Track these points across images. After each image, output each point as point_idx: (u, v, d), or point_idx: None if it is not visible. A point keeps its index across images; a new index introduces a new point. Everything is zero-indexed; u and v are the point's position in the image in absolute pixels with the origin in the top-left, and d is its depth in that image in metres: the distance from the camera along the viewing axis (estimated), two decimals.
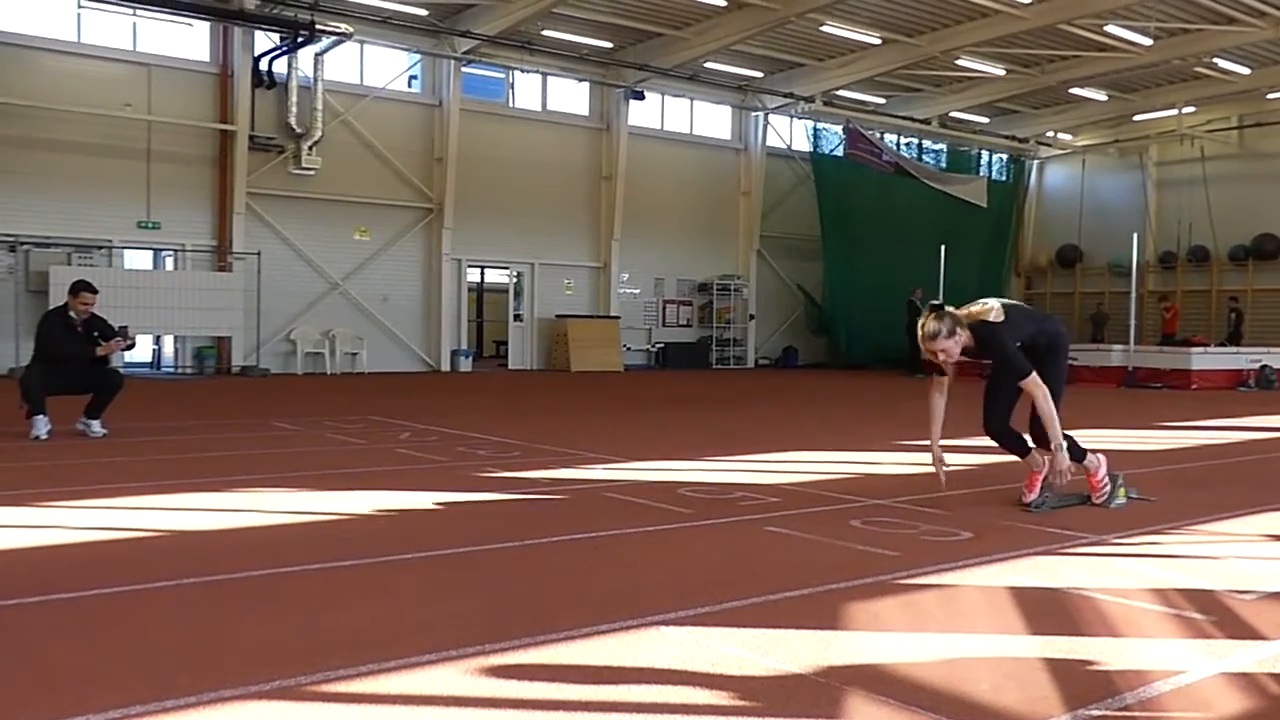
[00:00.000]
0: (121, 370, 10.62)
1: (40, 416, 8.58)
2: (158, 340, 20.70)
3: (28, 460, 7.51)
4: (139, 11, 18.61)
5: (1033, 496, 5.87)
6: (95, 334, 8.88)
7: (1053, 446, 5.59)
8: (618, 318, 24.58)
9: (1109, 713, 2.80)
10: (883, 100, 27.63)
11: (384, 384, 17.77)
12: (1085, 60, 23.68)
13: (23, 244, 17.98)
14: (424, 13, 20.88)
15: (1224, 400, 16.33)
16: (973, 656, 3.29)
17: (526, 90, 23.79)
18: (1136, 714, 2.82)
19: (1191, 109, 27.19)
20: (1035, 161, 31.77)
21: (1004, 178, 30.93)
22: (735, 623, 3.58)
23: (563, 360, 23.14)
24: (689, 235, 26.11)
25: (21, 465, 7.27)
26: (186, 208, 19.62)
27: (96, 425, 8.84)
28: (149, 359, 20.88)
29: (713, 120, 26.69)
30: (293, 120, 20.12)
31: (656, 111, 25.30)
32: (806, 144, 27.18)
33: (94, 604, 3.76)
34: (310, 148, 20.26)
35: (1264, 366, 19.80)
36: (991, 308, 5.67)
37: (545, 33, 21.82)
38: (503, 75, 23.43)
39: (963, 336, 5.53)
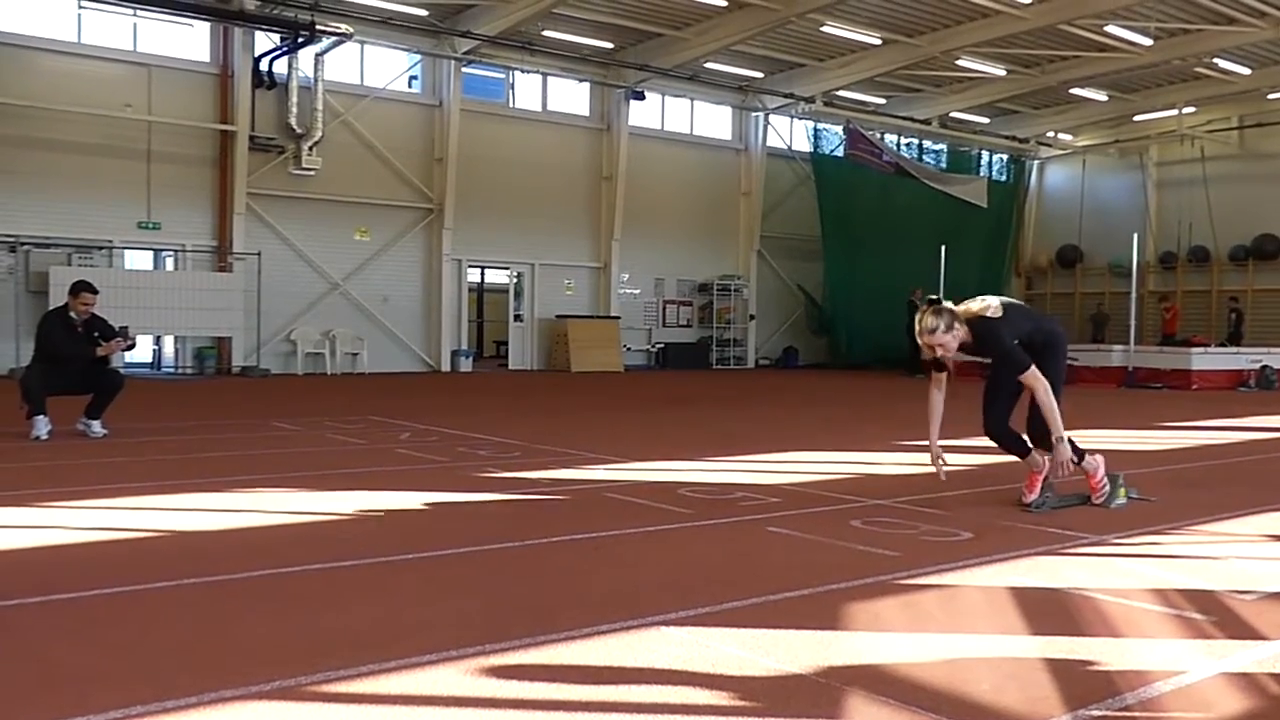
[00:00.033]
0: (122, 371, 10.62)
1: (41, 417, 8.58)
2: (158, 341, 20.70)
3: (28, 460, 7.51)
4: (139, 12, 18.61)
5: (1033, 497, 5.87)
6: (95, 334, 8.88)
7: (1054, 438, 5.59)
8: (618, 318, 24.58)
9: (1109, 713, 2.80)
10: (883, 100, 27.63)
11: (384, 384, 17.77)
12: (1085, 60, 23.68)
13: (23, 244, 17.98)
14: (424, 13, 20.88)
15: (1224, 400, 16.33)
16: (973, 657, 3.29)
17: (527, 90, 23.80)
18: (1137, 714, 2.82)
19: (1192, 109, 27.19)
20: (1035, 162, 31.77)
21: (1004, 178, 30.93)
22: (735, 623, 3.58)
23: (563, 360, 23.14)
24: (689, 235, 26.12)
25: (22, 465, 7.27)
26: (187, 208, 19.62)
27: (97, 426, 8.84)
28: (149, 359, 20.88)
29: (713, 120, 26.70)
30: (293, 120, 20.13)
31: (657, 112, 25.31)
32: (807, 144, 27.19)
33: (94, 604, 3.76)
34: (310, 148, 20.27)
35: (1264, 367, 19.80)
36: (990, 304, 5.68)
37: (545, 33, 21.83)
38: (503, 75, 23.43)
39: (960, 332, 5.54)
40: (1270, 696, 2.97)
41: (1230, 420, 12.57)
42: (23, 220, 18.00)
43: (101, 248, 18.93)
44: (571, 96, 24.35)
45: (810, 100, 25.74)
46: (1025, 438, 5.90)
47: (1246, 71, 24.36)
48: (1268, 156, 27.03)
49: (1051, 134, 30.87)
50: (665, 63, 23.20)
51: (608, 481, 6.81)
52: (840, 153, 26.98)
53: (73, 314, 8.85)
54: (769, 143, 27.01)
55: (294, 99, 20.08)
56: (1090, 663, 3.23)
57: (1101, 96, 27.21)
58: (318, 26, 19.32)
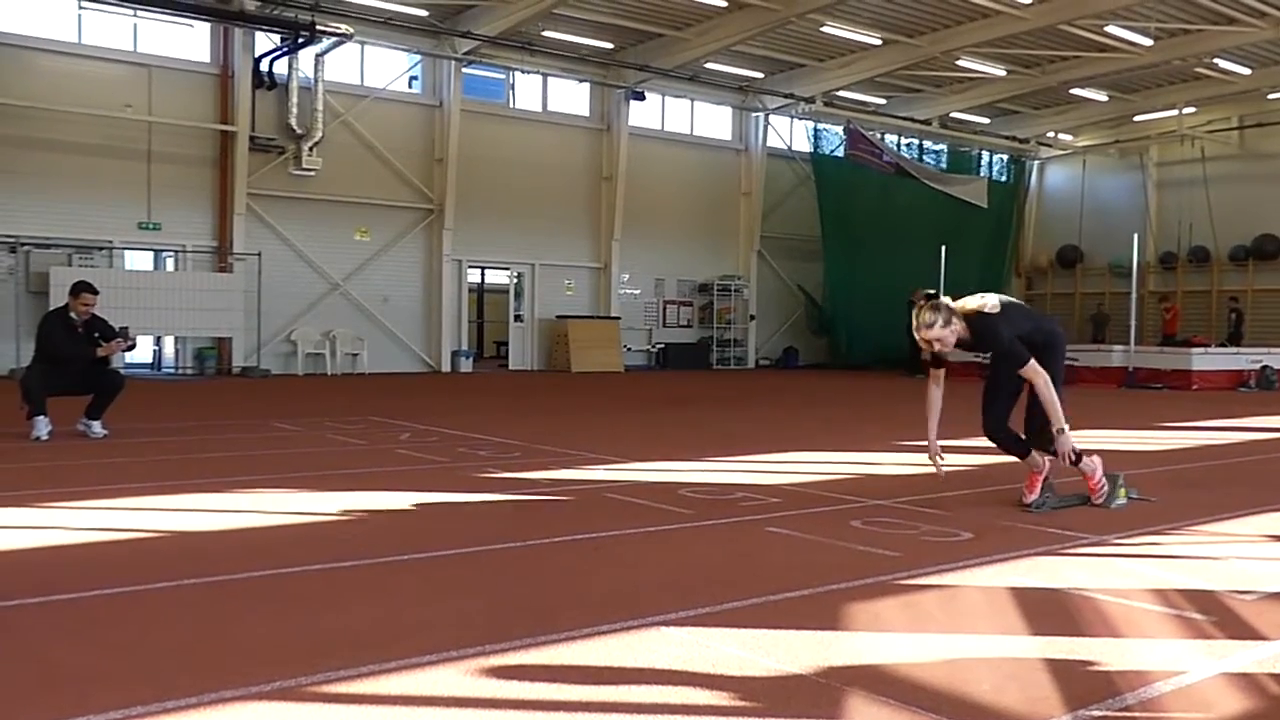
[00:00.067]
0: (122, 371, 10.63)
1: (41, 417, 8.59)
2: (158, 341, 20.70)
3: (28, 461, 7.51)
4: (139, 12, 18.61)
5: (1033, 497, 5.87)
6: (96, 335, 8.88)
7: (1055, 429, 5.59)
8: (618, 318, 24.59)
9: (1110, 713, 2.80)
10: (883, 101, 27.63)
11: (384, 384, 17.77)
12: (1086, 61, 23.68)
13: (23, 245, 17.98)
14: (424, 13, 20.88)
15: (1224, 401, 16.33)
16: (973, 657, 3.29)
17: (527, 91, 23.80)
18: (1137, 714, 2.82)
19: (1192, 109, 27.19)
20: (1036, 162, 31.78)
21: (1004, 178, 30.94)
22: (736, 623, 3.58)
23: (563, 361, 23.14)
24: (689, 236, 26.12)
25: (22, 466, 7.27)
26: (187, 208, 19.63)
27: (97, 426, 8.84)
28: (149, 360, 20.87)
29: (713, 121, 26.70)
30: (293, 121, 20.13)
31: (657, 112, 25.31)
32: (807, 144, 27.20)
33: (95, 604, 3.76)
34: (311, 148, 20.27)
35: (1264, 367, 19.80)
36: (988, 301, 5.69)
37: (545, 33, 21.83)
38: (503, 76, 23.44)
39: (957, 327, 5.53)
40: (1270, 697, 2.97)
41: (1230, 420, 12.57)
42: (23, 221, 18.00)
43: (102, 248, 18.94)
44: (571, 97, 24.35)
45: (810, 100, 25.74)
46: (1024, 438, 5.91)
47: (1246, 71, 24.36)
48: (1268, 156, 27.03)
49: (1051, 134, 30.87)
50: (665, 63, 23.20)
51: (608, 482, 6.81)
52: (840, 153, 26.99)
53: (73, 314, 8.85)
54: (769, 143, 27.01)
55: (294, 99, 20.08)
56: (1090, 663, 3.23)
57: (1101, 97, 27.21)
58: (318, 27, 19.32)
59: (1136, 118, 28.55)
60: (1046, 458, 5.84)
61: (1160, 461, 8.49)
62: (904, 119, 28.01)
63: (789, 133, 27.55)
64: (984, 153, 30.60)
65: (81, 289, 8.84)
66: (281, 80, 20.11)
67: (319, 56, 20.11)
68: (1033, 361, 5.56)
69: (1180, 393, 18.24)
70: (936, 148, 29.56)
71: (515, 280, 24.11)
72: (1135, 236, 22.13)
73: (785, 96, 25.68)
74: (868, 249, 26.72)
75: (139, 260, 20.17)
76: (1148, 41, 22.09)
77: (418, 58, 22.13)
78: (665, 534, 5.22)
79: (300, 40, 19.51)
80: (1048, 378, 5.59)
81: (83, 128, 18.43)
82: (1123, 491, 6.00)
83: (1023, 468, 5.99)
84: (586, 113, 24.49)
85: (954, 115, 28.69)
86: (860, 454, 8.75)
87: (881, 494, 6.41)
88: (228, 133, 19.67)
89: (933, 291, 5.72)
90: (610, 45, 22.90)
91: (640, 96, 24.02)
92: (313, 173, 20.47)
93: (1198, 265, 28.53)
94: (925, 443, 5.88)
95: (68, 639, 3.35)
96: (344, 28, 19.66)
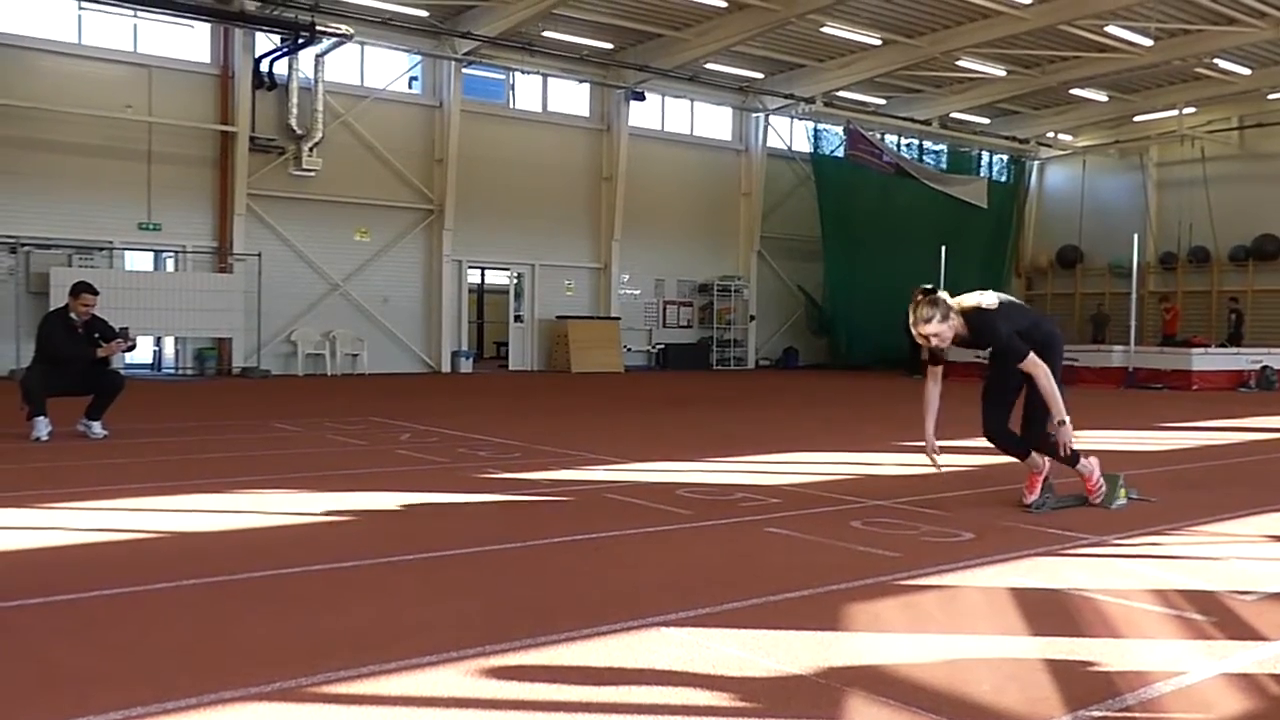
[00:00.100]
0: (122, 372, 10.63)
1: (41, 418, 8.59)
2: (158, 342, 20.71)
3: (28, 462, 7.51)
4: (139, 13, 18.61)
5: (1033, 498, 5.87)
6: (96, 335, 8.88)
7: (1055, 421, 5.59)
8: (618, 319, 24.59)
9: (1110, 714, 2.80)
10: (883, 101, 27.63)
11: (384, 385, 17.77)
12: (1086, 61, 23.68)
13: (24, 245, 17.98)
14: (424, 14, 20.89)
15: (1224, 401, 16.33)
16: (973, 657, 3.29)
17: (527, 91, 23.81)
18: (1137, 715, 2.82)
19: (1192, 109, 27.19)
20: (1036, 162, 31.78)
21: (1004, 178, 30.94)
22: (736, 624, 3.58)
23: (563, 361, 23.14)
24: (689, 236, 26.12)
25: (22, 467, 7.27)
26: (187, 209, 19.63)
27: (97, 427, 8.85)
28: (149, 360, 20.88)
29: (713, 121, 26.70)
30: (293, 121, 20.13)
31: (657, 112, 25.32)
32: (807, 145, 27.20)
33: (95, 605, 3.76)
34: (311, 149, 20.27)
35: (1265, 367, 19.80)
36: (986, 298, 5.68)
37: (545, 34, 21.83)
38: (503, 76, 23.44)
39: (955, 322, 5.52)
40: (1270, 697, 2.97)
41: (1230, 421, 12.57)
42: (23, 221, 18.00)
43: (102, 249, 18.94)
44: (571, 97, 24.35)
45: (810, 101, 25.75)
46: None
47: (1246, 72, 24.37)
48: (1268, 156, 27.03)
49: (1051, 134, 30.87)
50: (665, 63, 23.20)
51: (608, 482, 6.81)
52: (840, 153, 26.99)
53: (73, 315, 8.85)
54: (769, 143, 27.01)
55: (294, 100, 20.09)
56: (1090, 663, 3.23)
57: (1101, 97, 27.21)
58: (318, 27, 19.33)
59: (1136, 118, 28.55)
60: (1046, 458, 5.84)
61: (1160, 462, 8.49)
62: (904, 119, 28.01)
63: (789, 133, 27.55)
64: (984, 153, 30.60)
65: (81, 289, 8.85)
66: (281, 81, 20.11)
67: (319, 57, 20.12)
68: (1032, 355, 5.55)
69: (1180, 393, 18.24)
70: (936, 148, 29.57)
71: (515, 281, 24.11)
72: (1135, 237, 22.13)
73: (785, 97, 25.68)
74: (868, 249, 26.72)
75: (139, 261, 20.18)
76: (1148, 42, 22.09)
77: (418, 58, 22.13)
78: (665, 534, 5.22)
79: (300, 41, 19.52)
80: (1048, 370, 5.59)
81: (83, 128, 18.43)
82: (1123, 492, 6.00)
83: (1022, 468, 5.99)
84: (586, 113, 24.49)
85: (954, 115, 28.69)
86: (860, 454, 8.75)
87: (881, 494, 6.41)
88: (228, 133, 19.67)
89: (930, 286, 5.68)
90: (610, 45, 22.90)
91: (640, 97, 24.02)
92: (313, 173, 20.48)
93: (1198, 265, 28.53)
94: (923, 442, 5.88)
95: (68, 639, 3.35)
96: (344, 28, 19.66)
